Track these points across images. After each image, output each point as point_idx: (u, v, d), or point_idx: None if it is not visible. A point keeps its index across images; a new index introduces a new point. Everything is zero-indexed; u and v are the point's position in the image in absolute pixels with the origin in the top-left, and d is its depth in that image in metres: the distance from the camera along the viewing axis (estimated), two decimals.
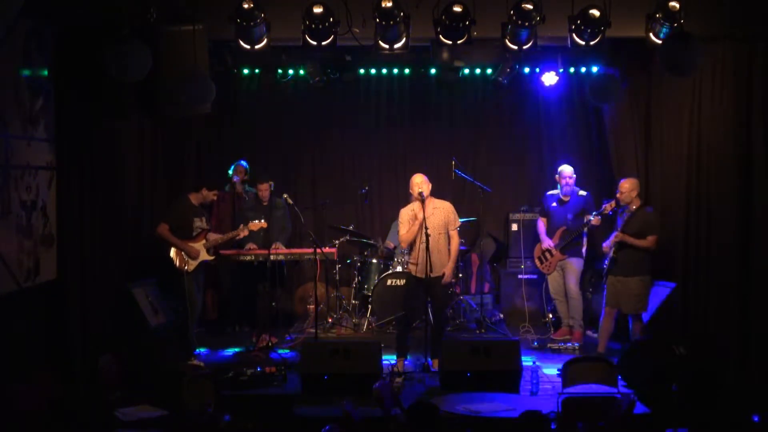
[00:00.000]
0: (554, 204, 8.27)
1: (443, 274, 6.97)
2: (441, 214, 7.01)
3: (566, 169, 8.13)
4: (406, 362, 7.12)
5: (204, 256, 7.43)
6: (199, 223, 7.47)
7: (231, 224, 8.18)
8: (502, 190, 9.55)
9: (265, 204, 8.02)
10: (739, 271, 7.19)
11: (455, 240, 7.13)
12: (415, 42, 6.32)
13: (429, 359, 6.93)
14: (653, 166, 7.91)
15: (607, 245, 7.31)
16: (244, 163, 8.58)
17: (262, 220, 7.67)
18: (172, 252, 7.32)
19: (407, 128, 9.72)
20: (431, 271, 6.79)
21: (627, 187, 7.25)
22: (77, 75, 6.66)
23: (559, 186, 8.19)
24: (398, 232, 7.18)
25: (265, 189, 8.03)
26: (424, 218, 6.88)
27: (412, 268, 7.07)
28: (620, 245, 7.12)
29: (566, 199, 8.15)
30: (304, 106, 9.46)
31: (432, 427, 4.49)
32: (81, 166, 6.85)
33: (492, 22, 6.22)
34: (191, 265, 7.34)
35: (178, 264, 7.30)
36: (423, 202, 6.96)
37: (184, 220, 7.40)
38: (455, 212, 7.17)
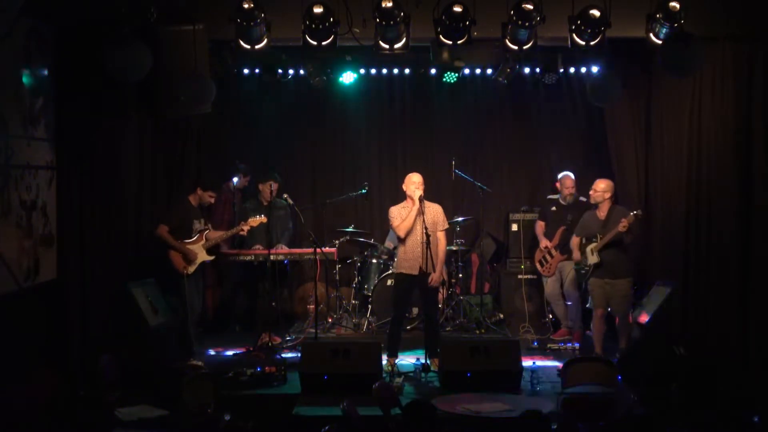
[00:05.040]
0: (554, 208, 8.29)
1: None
2: (431, 214, 7.03)
3: (568, 180, 8.14)
4: (405, 362, 7.13)
5: (203, 257, 7.43)
6: (198, 225, 7.47)
7: (231, 224, 8.20)
8: (502, 190, 9.55)
9: (265, 204, 8.03)
10: (739, 271, 7.20)
11: (442, 242, 7.15)
12: (415, 42, 6.31)
13: (428, 359, 6.92)
14: (653, 166, 7.91)
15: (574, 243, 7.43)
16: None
17: (262, 215, 7.68)
18: (172, 254, 7.31)
19: (407, 128, 9.71)
20: (427, 268, 6.81)
21: (602, 187, 7.28)
22: (77, 75, 6.67)
23: (559, 193, 8.20)
24: (392, 224, 7.11)
25: (266, 189, 8.04)
26: (423, 218, 6.90)
27: (403, 265, 7.05)
28: (606, 246, 7.12)
29: (566, 204, 8.17)
30: (304, 106, 9.46)
31: (430, 427, 4.49)
32: (81, 166, 6.85)
33: (492, 22, 6.22)
34: (190, 268, 7.33)
35: (177, 266, 7.29)
36: (421, 201, 6.97)
37: (184, 222, 7.39)
38: (443, 214, 7.20)
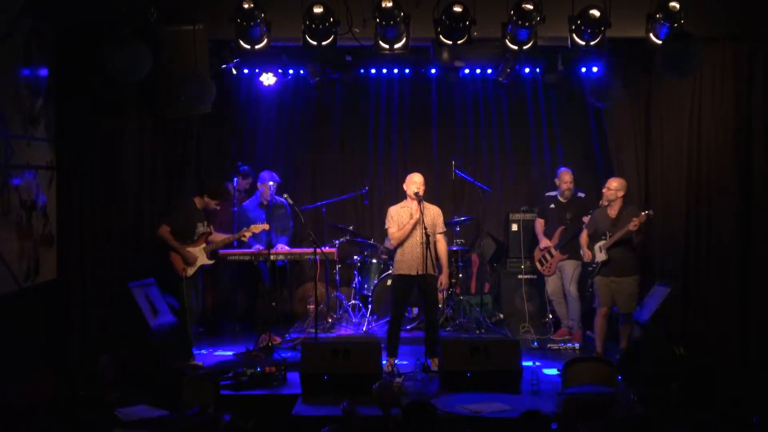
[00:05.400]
0: (553, 206, 8.28)
1: (435, 275, 7.01)
2: (430, 215, 7.04)
3: (566, 175, 8.13)
4: (405, 362, 7.13)
5: (203, 260, 7.40)
6: (202, 227, 7.45)
7: (229, 225, 8.21)
8: (502, 190, 9.55)
9: (265, 204, 8.04)
10: (739, 271, 7.20)
11: (443, 244, 7.20)
12: (415, 42, 6.32)
13: (428, 359, 6.93)
14: (653, 166, 7.91)
15: (589, 253, 7.36)
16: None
17: (264, 223, 7.69)
18: (172, 255, 7.30)
19: (407, 128, 9.70)
20: (425, 269, 6.82)
21: (615, 185, 7.32)
22: (77, 75, 6.66)
23: (558, 189, 8.20)
24: (387, 228, 7.16)
25: (266, 188, 8.05)
26: (423, 218, 6.91)
27: (401, 266, 7.07)
28: (614, 244, 7.13)
29: (565, 200, 8.16)
30: (304, 106, 9.45)
31: (429, 427, 4.49)
32: (81, 166, 6.85)
33: (492, 22, 6.23)
34: (190, 271, 7.32)
35: (177, 269, 7.27)
36: (420, 202, 6.98)
37: (187, 223, 7.37)
38: (442, 216, 7.23)
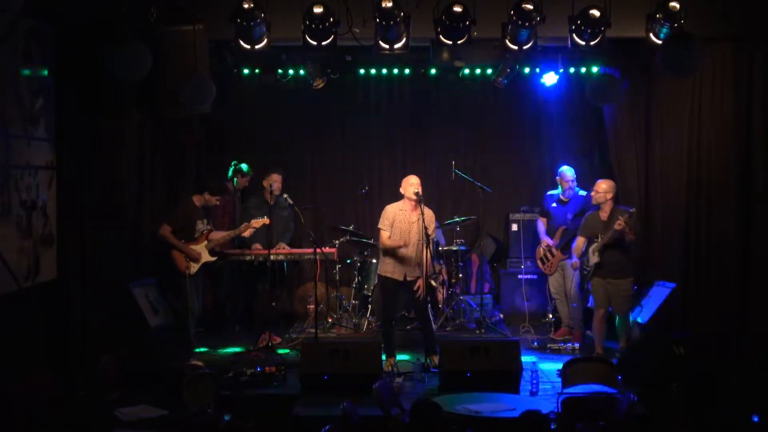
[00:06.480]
0: (554, 204, 8.28)
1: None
2: (426, 219, 6.99)
3: (568, 173, 8.12)
4: (406, 362, 7.13)
5: (206, 257, 7.41)
6: (201, 225, 7.45)
7: (233, 224, 8.21)
8: (502, 190, 9.54)
9: (271, 203, 8.03)
10: (739, 271, 7.20)
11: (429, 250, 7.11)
12: (415, 42, 6.32)
13: (428, 358, 6.93)
14: (653, 166, 7.91)
15: (575, 261, 7.38)
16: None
17: (265, 217, 7.69)
18: (174, 254, 7.30)
19: (407, 128, 9.71)
20: (422, 274, 6.81)
21: (604, 187, 7.26)
22: (77, 74, 6.67)
23: (559, 187, 8.20)
24: (380, 228, 7.07)
25: (267, 184, 8.05)
26: (423, 219, 6.90)
27: (387, 269, 7.02)
28: (605, 247, 7.12)
29: (566, 199, 8.16)
30: (304, 106, 9.45)
31: (434, 427, 4.49)
32: (81, 166, 6.85)
33: (492, 22, 6.23)
34: (193, 268, 7.32)
35: (180, 267, 7.28)
36: (420, 202, 6.95)
37: (187, 222, 7.37)
38: (434, 222, 7.19)
